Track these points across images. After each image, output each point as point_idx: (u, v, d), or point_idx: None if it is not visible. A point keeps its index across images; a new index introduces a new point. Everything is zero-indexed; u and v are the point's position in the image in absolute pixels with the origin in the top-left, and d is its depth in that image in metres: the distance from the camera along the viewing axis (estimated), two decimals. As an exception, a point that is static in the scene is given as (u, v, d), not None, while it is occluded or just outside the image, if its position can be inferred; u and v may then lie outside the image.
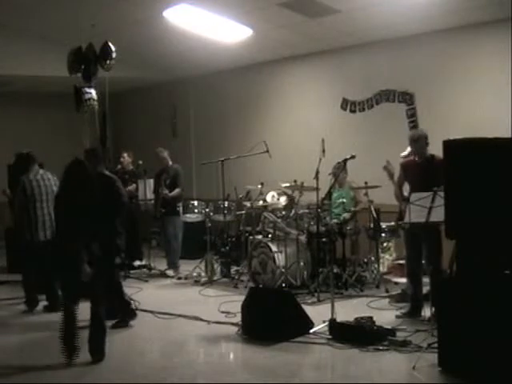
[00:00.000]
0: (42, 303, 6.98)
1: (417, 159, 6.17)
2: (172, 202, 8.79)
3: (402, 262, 7.68)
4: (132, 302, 6.52)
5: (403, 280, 7.16)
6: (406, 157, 6.85)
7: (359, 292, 7.25)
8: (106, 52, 8.01)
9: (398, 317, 6.08)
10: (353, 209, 7.83)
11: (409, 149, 6.77)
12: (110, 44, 7.98)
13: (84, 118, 8.60)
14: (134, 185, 9.53)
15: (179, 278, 8.58)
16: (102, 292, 5.27)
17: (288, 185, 8.05)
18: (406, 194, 6.24)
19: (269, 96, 10.49)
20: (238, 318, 5.99)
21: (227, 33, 9.01)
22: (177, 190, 8.84)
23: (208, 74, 11.15)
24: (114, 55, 7.96)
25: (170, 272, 8.85)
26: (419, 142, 6.11)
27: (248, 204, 8.53)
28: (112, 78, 8.34)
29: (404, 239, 6.49)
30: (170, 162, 9.10)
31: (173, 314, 6.51)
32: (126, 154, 9.84)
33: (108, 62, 7.98)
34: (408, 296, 6.50)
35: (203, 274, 8.52)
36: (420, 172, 6.04)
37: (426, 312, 5.90)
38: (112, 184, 6.29)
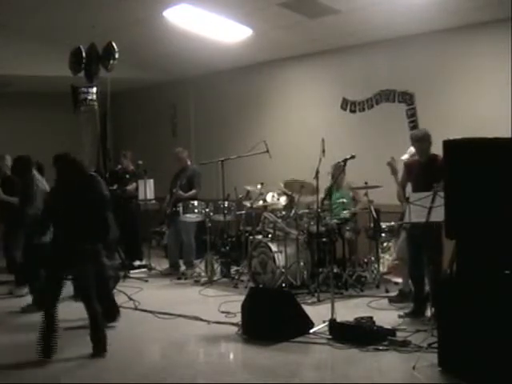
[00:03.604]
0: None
1: (420, 159, 6.16)
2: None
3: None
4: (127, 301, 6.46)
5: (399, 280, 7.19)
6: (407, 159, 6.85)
7: (359, 292, 7.25)
8: (109, 52, 8.02)
9: (400, 316, 6.05)
10: (353, 209, 7.83)
11: (406, 155, 6.80)
12: (114, 44, 8.00)
13: (84, 118, 8.63)
14: (135, 184, 9.54)
15: (179, 278, 8.58)
16: (93, 290, 5.31)
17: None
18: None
19: (269, 96, 10.49)
20: (238, 318, 5.99)
21: (227, 33, 9.01)
22: (192, 192, 8.81)
23: (208, 74, 11.15)
24: (116, 55, 7.98)
25: (187, 272, 8.68)
26: (423, 141, 6.10)
27: (248, 204, 8.53)
28: (112, 78, 8.35)
29: (406, 240, 6.46)
30: (189, 162, 9.15)
31: (173, 314, 6.50)
32: (126, 154, 9.85)
33: (111, 62, 8.00)
34: (407, 296, 6.50)
35: (203, 273, 8.53)
36: (423, 171, 6.02)
37: (429, 312, 5.89)
38: None
